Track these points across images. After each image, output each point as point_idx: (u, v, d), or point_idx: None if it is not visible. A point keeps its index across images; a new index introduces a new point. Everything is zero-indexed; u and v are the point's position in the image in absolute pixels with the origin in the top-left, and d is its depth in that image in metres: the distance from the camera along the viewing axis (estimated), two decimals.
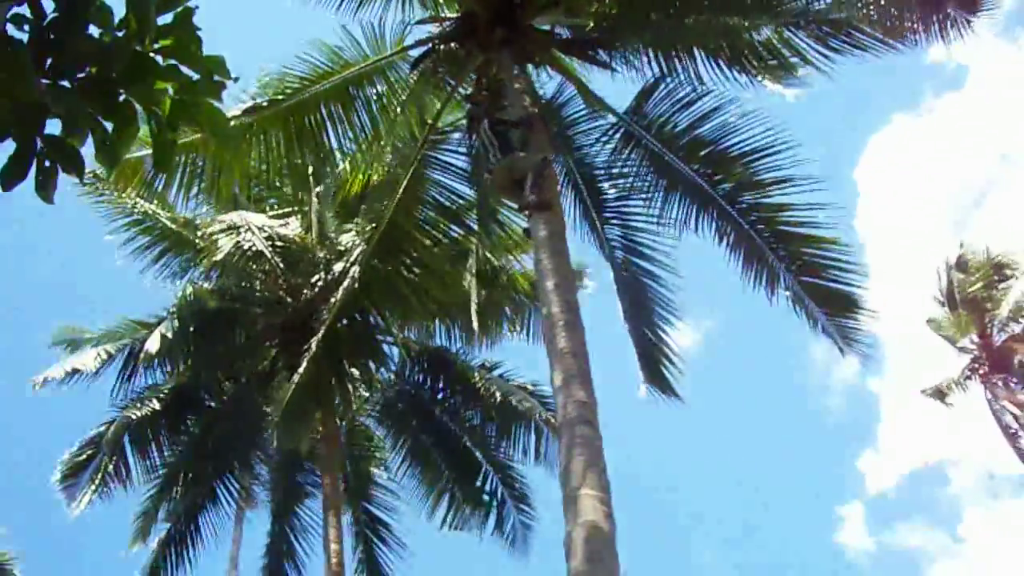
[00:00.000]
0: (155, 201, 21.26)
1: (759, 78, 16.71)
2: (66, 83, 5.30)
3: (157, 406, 22.16)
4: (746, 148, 16.64)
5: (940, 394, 42.68)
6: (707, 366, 61.09)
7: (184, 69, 5.50)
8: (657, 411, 18.28)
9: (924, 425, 65.93)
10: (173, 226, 22.56)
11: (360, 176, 18.86)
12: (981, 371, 42.26)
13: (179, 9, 5.44)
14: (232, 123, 16.64)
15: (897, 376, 70.30)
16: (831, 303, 16.82)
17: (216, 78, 5.56)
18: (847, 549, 64.72)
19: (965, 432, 42.88)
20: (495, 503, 23.00)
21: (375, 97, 17.68)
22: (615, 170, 17.79)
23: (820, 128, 50.59)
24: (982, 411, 42.54)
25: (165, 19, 5.44)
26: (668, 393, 18.34)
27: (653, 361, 18.25)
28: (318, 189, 21.61)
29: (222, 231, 20.97)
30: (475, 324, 20.00)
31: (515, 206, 15.78)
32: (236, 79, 5.64)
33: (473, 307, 19.39)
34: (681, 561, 60.32)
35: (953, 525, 76.84)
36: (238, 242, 20.89)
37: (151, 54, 5.42)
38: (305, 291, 22.25)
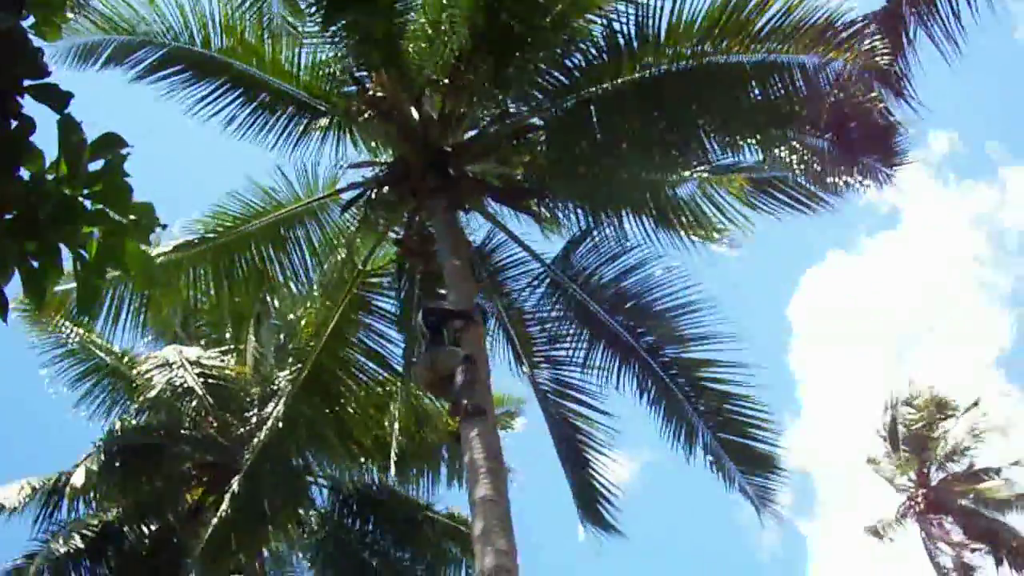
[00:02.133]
0: (85, 332, 21.24)
1: (684, 235, 17.10)
2: None
3: (80, 542, 21.70)
4: (669, 303, 17.04)
5: (878, 534, 42.81)
6: (644, 499, 60.65)
7: (113, 213, 5.59)
8: (593, 549, 18.19)
9: (856, 565, 65.50)
10: (108, 359, 22.50)
11: (303, 319, 19.09)
12: (916, 510, 42.38)
13: (110, 156, 5.51)
14: (163, 258, 16.88)
15: (828, 513, 70.29)
16: (748, 461, 16.96)
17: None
18: None
19: (896, 572, 42.71)
20: None
21: (306, 238, 17.87)
22: (543, 315, 17.97)
23: (754, 266, 51.23)
24: (915, 551, 42.79)
25: (96, 164, 5.49)
26: (607, 530, 18.26)
27: (589, 500, 18.21)
28: (255, 328, 21.75)
29: (156, 367, 20.91)
30: (392, 471, 20.10)
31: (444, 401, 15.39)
32: (165, 226, 5.70)
33: (393, 454, 19.33)
34: None
35: None
36: (170, 379, 20.80)
37: (80, 198, 5.47)
38: (236, 429, 22.08)
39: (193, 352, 21.43)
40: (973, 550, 41.33)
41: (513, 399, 22.77)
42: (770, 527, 17.16)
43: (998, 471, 42.14)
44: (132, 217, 5.60)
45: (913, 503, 42.73)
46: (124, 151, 5.56)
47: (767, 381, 16.86)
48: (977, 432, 41.98)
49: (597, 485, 18.14)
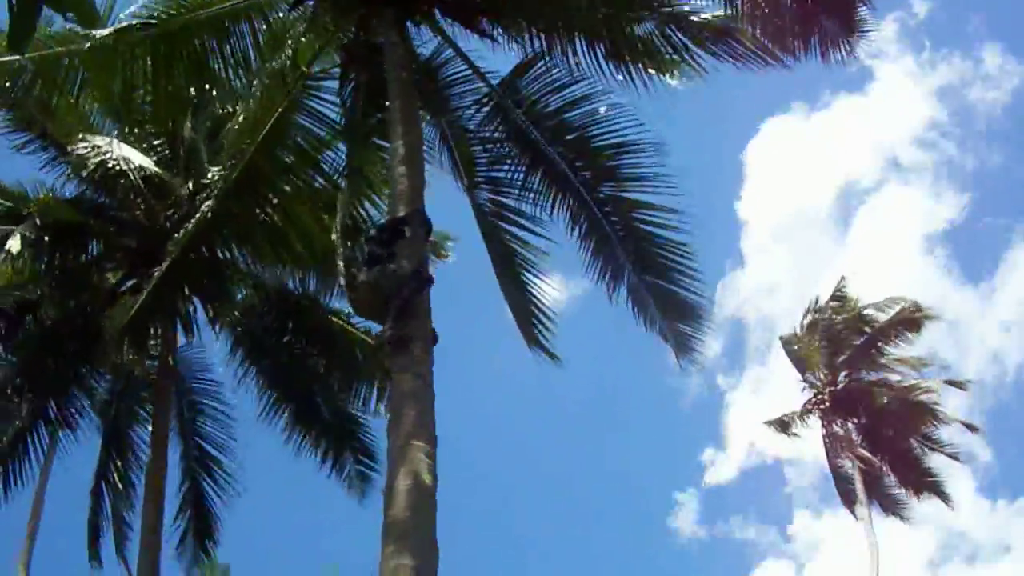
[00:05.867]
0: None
1: (637, 71, 16.78)
2: None
3: None
4: (611, 140, 16.81)
5: (783, 426, 43.31)
6: (578, 327, 60.94)
7: None
8: (506, 365, 18.14)
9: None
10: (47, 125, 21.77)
11: (241, 115, 18.67)
12: (821, 407, 42.98)
13: None
14: (102, 42, 16.43)
15: (752, 368, 71.40)
16: (671, 307, 16.99)
17: None
18: (679, 535, 65.56)
19: (805, 434, 43.38)
20: (332, 453, 22.96)
21: (251, 33, 17.30)
22: (485, 135, 17.70)
23: (714, 108, 50.65)
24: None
25: None
26: (544, 352, 18.02)
27: (526, 321, 18.02)
28: (191, 119, 21.35)
29: (89, 148, 20.42)
30: (342, 280, 19.71)
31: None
32: None
33: (339, 264, 18.94)
34: (507, 520, 60.72)
35: (784, 523, 78.51)
36: (103, 160, 20.31)
37: None
38: (164, 217, 21.85)
39: (133, 154, 20.73)
40: (868, 459, 41.98)
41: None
42: (697, 375, 17.24)
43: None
44: None
45: (819, 400, 43.14)
46: None
47: (711, 227, 16.81)
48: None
49: (533, 308, 17.98)
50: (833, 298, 42.79)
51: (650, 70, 16.76)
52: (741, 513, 79.11)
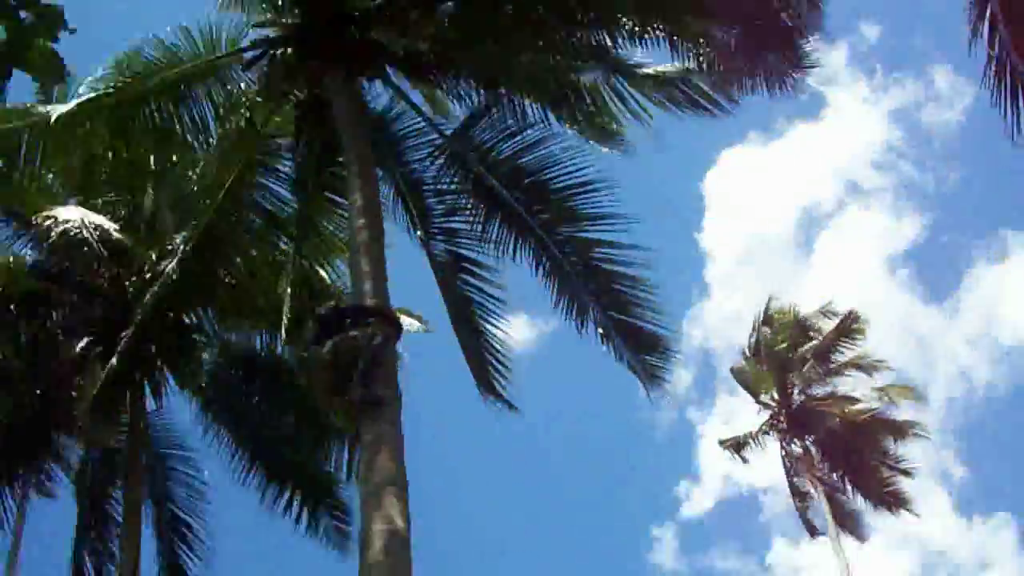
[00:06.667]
0: None
1: (582, 130, 17.19)
2: None
3: None
4: (567, 182, 17.03)
5: (738, 447, 43.19)
6: (547, 364, 60.45)
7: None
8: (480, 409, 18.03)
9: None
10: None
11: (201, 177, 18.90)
12: (779, 429, 42.73)
13: None
14: (63, 114, 16.61)
15: (722, 395, 71.31)
16: (637, 341, 17.12)
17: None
18: (659, 571, 65.23)
19: (764, 458, 43.19)
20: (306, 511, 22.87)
21: (207, 97, 17.62)
22: (441, 187, 17.88)
23: (670, 141, 50.75)
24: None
25: None
26: (500, 400, 18.01)
27: (483, 371, 18.02)
28: (154, 185, 21.48)
29: (54, 220, 20.53)
30: (283, 334, 19.72)
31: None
32: (73, 30, 5.57)
33: (284, 317, 19.09)
34: (484, 564, 60.29)
35: (762, 553, 78.19)
36: (66, 229, 20.42)
37: None
38: (129, 284, 21.91)
39: (97, 218, 20.87)
40: (826, 477, 41.81)
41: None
42: (668, 408, 17.31)
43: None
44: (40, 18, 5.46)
45: (775, 421, 42.98)
46: None
47: (674, 259, 17.03)
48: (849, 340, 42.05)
49: (490, 357, 18.03)
50: (764, 322, 42.80)
51: (594, 123, 17.25)
52: (719, 545, 78.80)
